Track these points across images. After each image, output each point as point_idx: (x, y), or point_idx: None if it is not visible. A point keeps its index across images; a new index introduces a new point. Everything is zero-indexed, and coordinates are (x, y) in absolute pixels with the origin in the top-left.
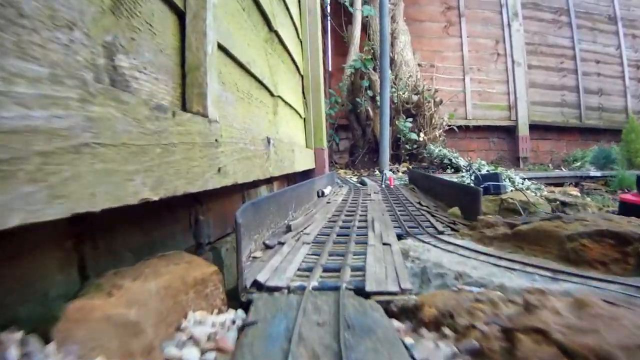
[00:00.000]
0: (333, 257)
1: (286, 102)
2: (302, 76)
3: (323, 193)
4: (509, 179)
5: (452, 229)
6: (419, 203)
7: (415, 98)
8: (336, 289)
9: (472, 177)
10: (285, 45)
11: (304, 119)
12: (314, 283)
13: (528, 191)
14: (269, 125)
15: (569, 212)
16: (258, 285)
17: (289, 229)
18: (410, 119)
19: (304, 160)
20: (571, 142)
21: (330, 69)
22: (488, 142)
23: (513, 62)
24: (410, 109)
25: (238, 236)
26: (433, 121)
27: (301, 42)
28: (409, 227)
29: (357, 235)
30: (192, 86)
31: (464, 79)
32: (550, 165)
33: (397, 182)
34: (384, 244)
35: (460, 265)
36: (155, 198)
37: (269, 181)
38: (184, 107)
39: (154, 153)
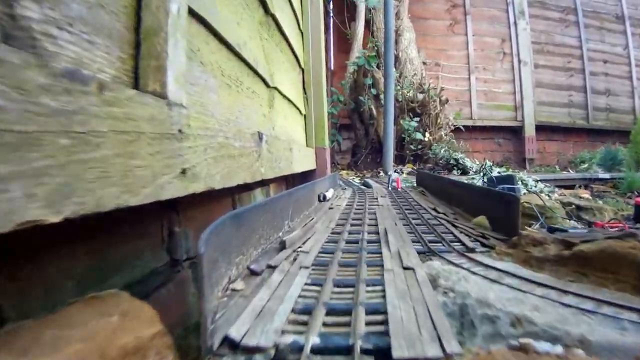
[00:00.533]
0: (340, 290)
1: (284, 96)
2: (302, 70)
3: (325, 197)
4: (521, 182)
5: (484, 245)
6: (434, 210)
7: (420, 97)
8: (347, 350)
9: (484, 179)
10: (284, 32)
11: (305, 115)
12: (315, 339)
13: (542, 194)
14: (263, 120)
15: (584, 216)
16: (231, 344)
17: (283, 245)
18: (416, 118)
19: (303, 161)
20: (578, 144)
21: (332, 67)
22: (494, 143)
23: (519, 61)
24: (415, 108)
25: (200, 273)
26: (438, 121)
27: (302, 33)
28: (430, 241)
29: (368, 254)
30: (147, 57)
31: (469, 78)
32: (557, 166)
33: (404, 184)
34: (404, 268)
35: (515, 303)
36: (55, 219)
37: (264, 183)
38: (136, 86)
39: (56, 146)
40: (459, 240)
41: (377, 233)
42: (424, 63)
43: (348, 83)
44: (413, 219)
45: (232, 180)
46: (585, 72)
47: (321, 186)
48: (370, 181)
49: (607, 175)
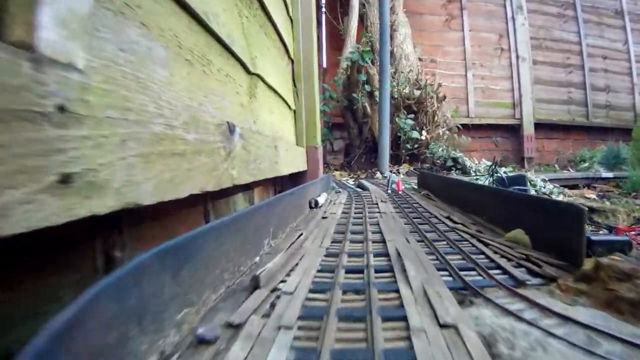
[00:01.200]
0: None
1: (270, 86)
2: (292, 61)
3: (317, 203)
4: (530, 182)
5: (535, 274)
6: (449, 218)
7: (417, 93)
8: None
9: (493, 180)
10: (270, 15)
11: (294, 111)
12: None
13: (553, 196)
14: (241, 111)
15: (597, 219)
16: None
17: (256, 283)
18: (412, 116)
19: (292, 161)
20: (578, 142)
21: (324, 65)
22: (491, 142)
23: (517, 57)
24: (412, 105)
25: None
26: (436, 118)
27: (292, 21)
28: (460, 268)
29: (380, 293)
30: None
31: (466, 75)
32: (556, 165)
33: (403, 186)
34: (441, 325)
35: None
36: None
37: (249, 187)
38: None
39: None
40: (499, 267)
41: (387, 255)
42: (420, 59)
43: (341, 80)
44: (426, 231)
45: (178, 189)
46: (584, 69)
47: (312, 190)
48: (365, 182)
49: (610, 175)
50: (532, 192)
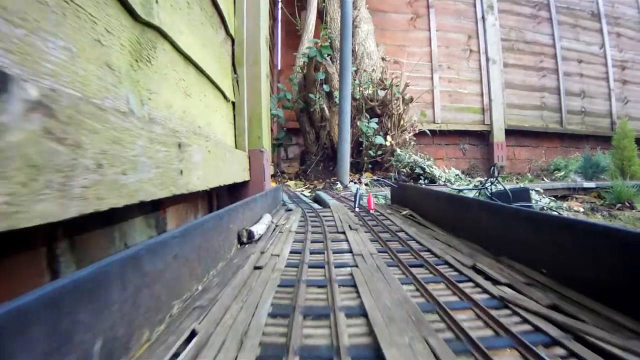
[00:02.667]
0: None
1: (185, 55)
2: (232, 39)
3: (252, 235)
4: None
5: None
6: (476, 269)
7: (381, 94)
8: None
9: (491, 194)
10: None
11: (233, 104)
12: None
13: (560, 212)
14: (113, 77)
15: None
16: None
17: None
18: (375, 120)
19: (224, 169)
20: (551, 150)
21: (279, 66)
22: (458, 149)
23: (487, 59)
24: (375, 107)
25: None
26: (402, 122)
27: None
28: None
29: None
30: None
31: (432, 78)
32: (529, 174)
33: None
34: None
35: None
36: None
37: (156, 206)
38: None
39: None
40: None
41: None
42: (383, 59)
43: (296, 79)
44: (453, 309)
45: None
46: (559, 73)
47: (250, 211)
48: (323, 195)
49: (592, 185)
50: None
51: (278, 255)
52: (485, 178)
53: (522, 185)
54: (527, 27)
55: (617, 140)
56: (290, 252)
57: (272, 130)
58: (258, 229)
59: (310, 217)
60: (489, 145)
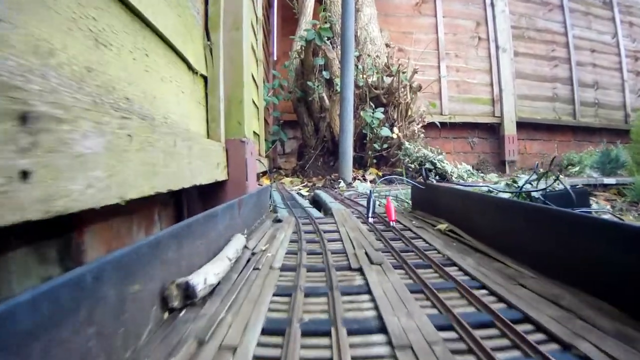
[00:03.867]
0: None
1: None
2: None
3: (191, 293)
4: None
5: None
6: None
7: (387, 81)
8: None
9: (545, 194)
10: None
11: (205, 79)
12: None
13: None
14: None
15: None
16: None
17: None
18: (381, 109)
19: (184, 166)
20: (563, 143)
21: (275, 55)
22: (467, 143)
23: (497, 47)
24: (380, 95)
25: None
26: (409, 113)
27: None
28: None
29: None
30: None
31: (439, 66)
32: (541, 170)
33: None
34: None
35: None
36: None
37: (65, 226)
38: None
39: None
40: None
41: None
42: (387, 45)
43: (293, 65)
44: None
45: None
46: (571, 62)
47: (199, 242)
48: (324, 196)
49: (612, 181)
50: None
51: (233, 351)
52: (517, 175)
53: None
54: (538, 14)
55: (636, 134)
56: (264, 333)
57: (266, 121)
58: (209, 276)
59: (306, 233)
60: (500, 138)
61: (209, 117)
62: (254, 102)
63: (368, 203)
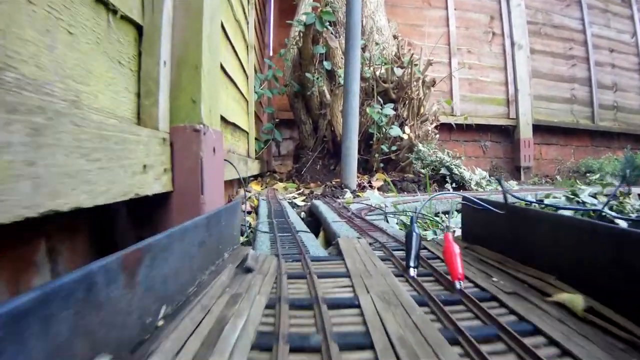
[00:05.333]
0: None
1: None
2: None
3: None
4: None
5: None
6: None
7: (398, 72)
8: None
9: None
10: None
11: (140, 29)
12: None
13: None
14: None
15: None
16: None
17: None
18: (391, 105)
19: (96, 174)
20: (580, 149)
21: (271, 47)
22: (479, 147)
23: (513, 44)
24: (389, 90)
25: None
26: (422, 111)
27: None
28: None
29: None
30: None
31: (450, 63)
32: (558, 177)
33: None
34: None
35: None
36: None
37: None
38: None
39: None
40: None
41: None
42: (395, 37)
43: (290, 54)
44: None
45: None
46: (589, 62)
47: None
48: (324, 209)
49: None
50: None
51: None
52: (578, 187)
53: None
54: (555, 9)
55: None
56: None
57: (259, 118)
58: None
59: (295, 308)
60: (514, 142)
61: (142, 90)
62: (226, 72)
63: (408, 242)
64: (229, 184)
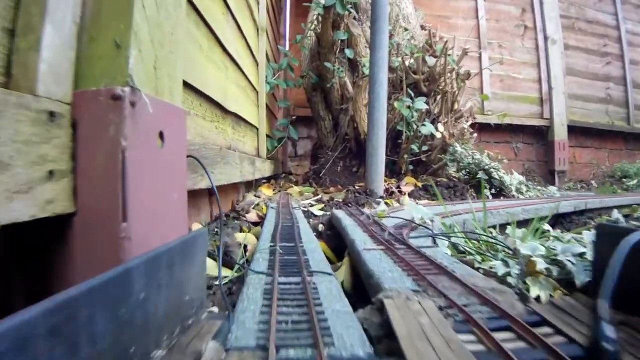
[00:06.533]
0: None
1: None
2: None
3: None
4: None
5: None
6: None
7: (431, 61)
8: None
9: None
10: None
11: None
12: None
13: None
14: None
15: None
16: None
17: None
18: (423, 99)
19: None
20: (614, 152)
21: (287, 37)
22: (510, 148)
23: (546, 38)
24: (419, 82)
25: None
26: (455, 107)
27: None
28: None
29: None
30: None
31: (480, 57)
32: (593, 182)
33: (422, 234)
34: None
35: None
36: None
37: None
38: None
39: None
40: None
41: None
42: (423, 28)
43: (308, 41)
44: None
45: None
46: (624, 59)
47: None
48: (349, 227)
49: None
50: None
51: None
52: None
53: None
54: (588, 3)
55: None
56: None
57: (273, 113)
58: None
59: None
60: (548, 144)
61: (18, 22)
62: (218, 39)
63: None
64: (232, 188)
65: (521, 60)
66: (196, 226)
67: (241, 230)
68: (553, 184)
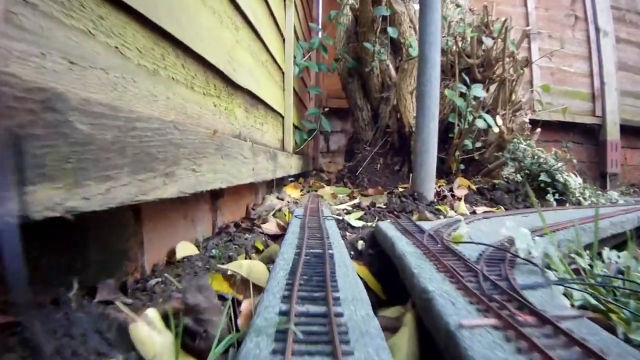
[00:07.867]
0: None
1: None
2: None
3: None
4: None
5: None
6: None
7: (489, 43)
8: None
9: None
10: None
11: None
12: None
13: None
14: None
15: None
16: None
17: None
18: (479, 86)
19: None
20: None
21: (320, 20)
22: (560, 147)
23: (597, 29)
24: (474, 67)
25: None
26: (513, 97)
27: None
28: None
29: None
30: None
31: (529, 48)
32: None
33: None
34: None
35: None
36: None
37: None
38: None
39: None
40: None
41: None
42: (472, 11)
43: (344, 20)
44: None
45: None
46: None
47: None
48: (410, 254)
49: None
50: None
51: None
52: None
53: None
54: None
55: None
56: None
57: (302, 101)
58: None
59: None
60: (599, 144)
61: None
62: None
63: None
64: (247, 189)
65: (572, 52)
66: (184, 246)
67: (248, 253)
68: (604, 187)
